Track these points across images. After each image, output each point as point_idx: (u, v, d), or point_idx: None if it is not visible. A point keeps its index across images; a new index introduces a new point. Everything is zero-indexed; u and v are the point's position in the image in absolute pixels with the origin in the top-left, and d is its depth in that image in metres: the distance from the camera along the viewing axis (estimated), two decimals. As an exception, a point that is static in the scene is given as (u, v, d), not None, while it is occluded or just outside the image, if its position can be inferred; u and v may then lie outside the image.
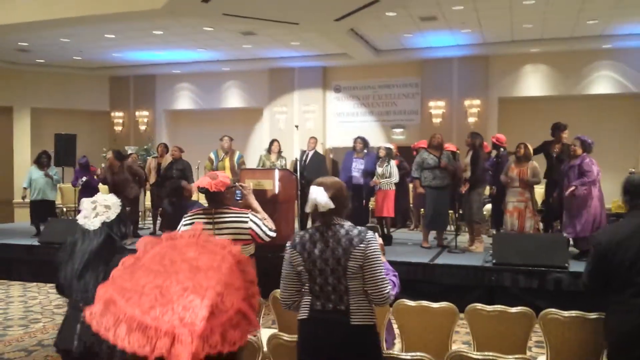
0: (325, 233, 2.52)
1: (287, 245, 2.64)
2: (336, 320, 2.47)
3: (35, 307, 6.94)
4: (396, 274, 2.84)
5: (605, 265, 2.94)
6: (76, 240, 2.53)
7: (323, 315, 2.50)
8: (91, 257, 2.45)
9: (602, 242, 2.98)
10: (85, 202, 2.58)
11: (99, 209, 2.54)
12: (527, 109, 12.15)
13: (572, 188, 6.64)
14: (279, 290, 4.10)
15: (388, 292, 2.49)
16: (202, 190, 3.53)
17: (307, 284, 2.56)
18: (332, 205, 2.50)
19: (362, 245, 2.46)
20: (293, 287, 2.61)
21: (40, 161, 9.51)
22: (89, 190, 9.18)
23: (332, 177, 2.75)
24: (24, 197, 9.79)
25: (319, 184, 2.58)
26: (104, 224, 2.52)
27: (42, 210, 9.37)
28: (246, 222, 3.48)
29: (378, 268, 2.47)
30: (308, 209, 2.57)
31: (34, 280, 8.21)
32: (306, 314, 2.56)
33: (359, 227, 2.55)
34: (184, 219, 3.58)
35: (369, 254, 2.46)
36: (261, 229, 3.51)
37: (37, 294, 7.64)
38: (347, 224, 2.55)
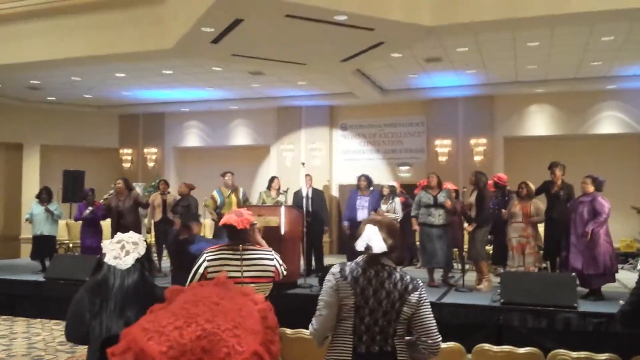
0: (380, 273, 2.49)
1: (334, 272, 2.53)
2: None
3: (39, 343, 6.88)
4: None
5: None
6: (107, 282, 2.51)
7: (369, 358, 2.44)
8: (130, 295, 2.45)
9: None
10: (110, 244, 2.59)
11: (128, 247, 2.55)
12: (532, 148, 12.20)
13: (588, 231, 6.61)
14: (284, 329, 4.09)
15: (439, 343, 2.51)
16: (228, 227, 3.51)
17: (347, 322, 2.47)
18: (385, 249, 2.48)
19: (416, 293, 2.48)
20: (334, 318, 2.49)
21: (41, 197, 9.61)
22: (93, 226, 9.22)
23: (387, 218, 2.71)
24: (27, 220, 9.81)
25: (374, 223, 2.55)
26: (137, 260, 2.53)
27: (42, 245, 9.42)
28: (272, 259, 3.51)
29: (431, 317, 2.51)
30: (360, 248, 2.51)
31: (38, 317, 8.16)
32: (349, 358, 2.45)
33: (409, 274, 2.56)
34: (206, 254, 3.51)
35: (422, 303, 2.49)
36: (281, 267, 3.56)
37: (40, 330, 7.59)
38: (400, 270, 2.56)
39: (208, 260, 3.45)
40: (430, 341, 2.48)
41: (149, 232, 9.78)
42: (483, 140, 12.20)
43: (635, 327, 3.06)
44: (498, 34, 8.19)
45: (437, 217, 7.67)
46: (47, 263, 9.14)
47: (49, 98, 13.36)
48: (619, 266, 9.90)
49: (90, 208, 9.17)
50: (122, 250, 2.53)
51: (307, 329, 3.05)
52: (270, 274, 3.48)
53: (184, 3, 7.49)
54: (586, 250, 6.69)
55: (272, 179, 9.23)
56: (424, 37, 7.67)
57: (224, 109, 13.91)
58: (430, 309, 2.53)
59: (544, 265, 8.09)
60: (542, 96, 11.88)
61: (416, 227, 8.05)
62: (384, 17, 6.83)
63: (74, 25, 8.67)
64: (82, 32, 8.64)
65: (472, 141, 12.27)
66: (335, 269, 2.56)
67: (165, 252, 9.72)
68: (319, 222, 8.91)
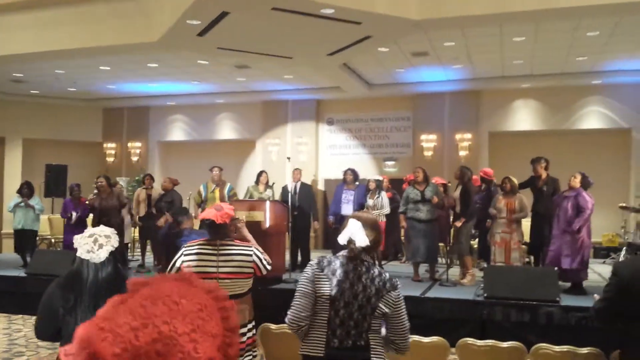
0: (359, 267, 2.50)
1: (312, 264, 2.57)
2: (356, 357, 2.44)
3: (20, 340, 6.80)
4: None
5: (625, 298, 2.90)
6: (81, 276, 2.47)
7: (342, 353, 2.44)
8: (103, 289, 2.42)
9: (625, 275, 2.95)
10: (82, 238, 2.55)
11: (101, 240, 2.52)
12: (517, 143, 12.26)
13: (575, 229, 6.68)
14: (268, 324, 4.07)
15: (408, 345, 2.56)
16: (207, 222, 3.49)
17: (322, 314, 2.47)
18: (367, 243, 2.52)
19: (394, 292, 2.50)
20: (309, 308, 2.49)
21: (22, 192, 9.46)
22: (79, 225, 9.10)
23: (369, 213, 2.75)
24: (10, 211, 9.66)
25: (358, 218, 2.58)
26: (110, 253, 2.50)
27: (23, 239, 9.30)
28: (250, 255, 3.47)
29: (406, 319, 2.54)
30: (342, 241, 2.54)
31: (20, 313, 8.06)
32: (321, 352, 2.45)
33: (387, 272, 2.58)
34: (184, 248, 3.52)
35: (398, 303, 2.51)
36: (262, 263, 3.51)
37: (22, 326, 7.50)
38: (377, 266, 2.59)
39: (185, 255, 3.46)
40: (402, 344, 2.53)
41: (134, 226, 9.68)
42: (468, 135, 12.24)
43: (610, 323, 3.07)
44: (485, 28, 8.20)
45: (425, 212, 7.68)
46: (29, 258, 9.02)
47: (32, 91, 13.18)
48: (601, 260, 10.04)
49: (74, 213, 9.03)
50: (94, 243, 2.50)
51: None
52: (248, 270, 3.44)
53: (169, -5, 7.41)
54: (569, 245, 6.76)
55: (260, 174, 9.17)
56: (411, 31, 7.67)
57: (209, 102, 13.81)
58: (406, 311, 2.55)
59: (527, 259, 8.16)
60: (527, 91, 11.94)
61: (404, 224, 8.00)
62: (371, 11, 6.81)
63: (58, 18, 8.55)
64: (66, 24, 8.52)
65: (458, 136, 12.31)
66: (313, 261, 2.59)
67: (149, 247, 9.65)
68: (306, 216, 8.88)
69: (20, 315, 8.00)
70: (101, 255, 2.48)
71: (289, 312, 2.54)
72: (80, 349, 0.86)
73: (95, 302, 2.37)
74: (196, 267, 3.36)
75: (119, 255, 2.56)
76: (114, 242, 2.55)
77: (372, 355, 2.44)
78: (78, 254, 2.53)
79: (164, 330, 0.86)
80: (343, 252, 2.56)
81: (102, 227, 2.62)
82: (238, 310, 3.20)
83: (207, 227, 3.55)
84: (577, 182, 6.93)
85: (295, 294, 2.55)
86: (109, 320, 0.88)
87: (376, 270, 2.53)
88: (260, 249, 3.64)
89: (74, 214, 8.97)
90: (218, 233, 3.47)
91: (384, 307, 2.46)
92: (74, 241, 2.58)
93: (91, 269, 2.46)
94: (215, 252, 3.42)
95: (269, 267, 3.57)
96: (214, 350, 0.89)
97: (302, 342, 2.53)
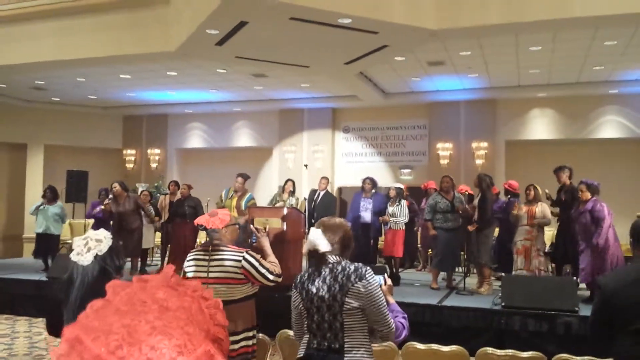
0: (322, 271, 2.55)
1: (292, 285, 2.70)
2: (330, 359, 2.47)
3: (40, 343, 6.91)
4: (405, 316, 2.78)
5: (610, 310, 2.92)
6: (72, 277, 2.53)
7: (319, 354, 2.50)
8: (87, 293, 2.45)
9: (608, 287, 2.96)
10: (77, 240, 2.61)
11: (90, 244, 2.55)
12: (534, 152, 12.21)
13: (596, 243, 6.55)
14: (286, 330, 4.11)
15: (393, 325, 2.52)
16: (200, 227, 3.59)
17: (306, 322, 2.59)
18: (328, 249, 2.55)
19: (361, 282, 2.44)
20: (302, 327, 2.64)
21: (46, 196, 9.64)
22: (102, 224, 9.24)
23: (334, 217, 2.77)
24: (32, 213, 9.81)
25: (319, 225, 2.66)
26: (96, 257, 2.52)
27: (45, 244, 9.44)
28: (239, 261, 3.41)
29: (382, 304, 2.47)
30: (305, 250, 2.61)
31: (40, 316, 8.18)
32: (302, 353, 2.57)
33: (356, 264, 2.54)
34: (189, 255, 3.62)
35: (369, 292, 2.44)
36: (257, 271, 3.42)
37: (42, 329, 7.61)
38: (344, 261, 2.57)
39: (187, 261, 3.56)
40: (385, 330, 2.50)
41: (157, 230, 9.81)
42: (484, 144, 12.22)
43: (599, 336, 3.06)
44: (501, 38, 8.21)
45: (453, 221, 7.69)
46: (50, 262, 9.17)
47: (53, 98, 13.41)
48: (620, 270, 9.91)
49: (100, 207, 9.23)
50: (85, 246, 2.54)
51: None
52: (238, 276, 3.40)
53: (189, 5, 7.53)
54: (596, 258, 6.63)
55: (286, 182, 9.34)
56: (428, 40, 7.70)
57: (227, 110, 13.94)
58: (380, 297, 2.48)
59: (549, 266, 8.07)
60: (544, 100, 11.90)
61: (433, 232, 7.90)
62: (388, 21, 6.86)
63: (79, 27, 8.72)
64: (87, 33, 8.68)
65: (474, 144, 12.29)
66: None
67: (168, 253, 9.76)
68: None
69: (41, 319, 8.11)
70: (88, 258, 2.51)
71: (293, 334, 2.77)
72: (70, 350, 0.88)
73: (80, 305, 2.41)
74: (192, 272, 3.47)
75: (109, 258, 2.57)
76: (104, 246, 2.56)
77: (345, 358, 2.43)
78: (70, 255, 2.59)
79: (157, 325, 0.88)
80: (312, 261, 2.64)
81: (101, 230, 2.66)
82: (228, 318, 3.19)
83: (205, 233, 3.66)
84: (586, 193, 6.83)
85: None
86: (97, 320, 0.90)
87: (340, 267, 2.52)
88: (272, 259, 3.62)
89: (99, 207, 9.16)
90: (211, 238, 3.54)
91: (352, 301, 2.44)
92: (72, 243, 2.65)
93: (79, 271, 2.51)
94: (207, 257, 3.48)
95: (271, 277, 3.47)
96: (209, 343, 0.91)
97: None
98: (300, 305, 2.58)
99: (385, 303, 2.51)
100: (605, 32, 7.91)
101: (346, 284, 2.45)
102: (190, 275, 3.51)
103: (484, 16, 6.94)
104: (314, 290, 2.52)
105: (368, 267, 2.53)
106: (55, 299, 2.57)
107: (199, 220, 3.58)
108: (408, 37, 7.54)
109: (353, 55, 8.55)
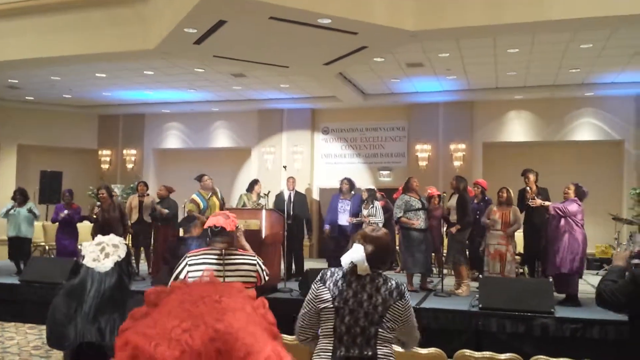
0: (362, 278, 2.51)
1: (317, 279, 2.61)
2: None
3: (13, 347, 6.74)
4: None
5: (635, 291, 2.95)
6: (85, 285, 2.43)
7: None
8: (105, 300, 2.36)
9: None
10: (90, 245, 2.50)
11: (108, 249, 2.46)
12: (511, 154, 12.33)
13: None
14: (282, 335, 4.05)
15: (419, 337, 2.67)
16: (216, 229, 3.43)
17: (328, 324, 2.49)
18: (368, 272, 2.50)
19: (402, 301, 2.52)
20: (313, 324, 2.57)
21: (15, 198, 9.40)
22: (69, 227, 9.07)
23: (379, 231, 2.68)
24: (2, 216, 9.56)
25: (364, 241, 2.54)
26: (116, 263, 2.45)
27: (17, 247, 9.24)
28: (254, 264, 3.45)
29: (413, 320, 2.60)
30: (344, 264, 2.53)
31: (12, 320, 8.00)
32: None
33: (396, 280, 2.59)
34: (188, 258, 3.44)
35: (407, 311, 2.54)
36: (264, 272, 3.51)
37: (14, 334, 7.44)
38: (385, 274, 2.59)
39: (190, 265, 3.39)
40: (411, 342, 2.65)
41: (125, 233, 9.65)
42: (462, 146, 12.31)
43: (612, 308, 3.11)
44: (479, 40, 8.27)
45: (423, 221, 7.70)
46: (22, 265, 8.97)
47: (27, 97, 13.15)
48: (595, 272, 10.07)
49: (66, 211, 9.04)
50: (101, 252, 2.45)
51: (288, 334, 3.03)
52: (253, 279, 3.42)
53: (167, 3, 7.44)
54: (556, 245, 6.83)
55: (254, 182, 9.12)
56: (407, 41, 7.72)
57: (205, 110, 13.82)
58: (412, 315, 2.60)
59: (521, 270, 8.18)
60: (520, 102, 12.03)
61: (400, 224, 7.94)
62: (368, 21, 6.86)
63: (55, 24, 8.55)
64: (63, 31, 8.52)
65: (452, 146, 12.37)
66: (318, 276, 2.62)
67: (142, 255, 9.62)
68: (300, 225, 8.88)
69: (13, 323, 7.93)
70: (107, 264, 2.42)
71: (296, 329, 2.64)
72: (131, 358, 0.84)
73: (95, 313, 2.33)
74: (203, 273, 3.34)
75: (125, 265, 2.50)
76: (122, 252, 2.48)
77: None
78: (84, 261, 2.48)
79: (219, 328, 0.84)
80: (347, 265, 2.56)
81: (111, 235, 2.57)
82: None
83: (211, 235, 3.48)
84: (571, 193, 6.98)
85: (301, 311, 2.62)
86: (153, 327, 0.85)
87: (381, 280, 2.53)
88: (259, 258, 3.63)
89: (65, 212, 8.96)
90: (225, 241, 3.42)
91: (391, 317, 2.49)
92: (80, 248, 2.55)
93: (95, 278, 2.41)
94: (221, 261, 3.38)
95: (267, 277, 3.57)
96: (272, 340, 0.87)
97: (313, 354, 2.56)
98: (328, 304, 2.50)
99: (415, 320, 2.63)
100: (581, 35, 8.01)
101: (388, 299, 2.48)
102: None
103: (463, 18, 6.98)
104: (351, 292, 2.48)
105: (405, 285, 2.63)
106: (57, 305, 2.46)
107: (217, 223, 3.42)
108: (387, 38, 7.55)
109: (332, 56, 8.54)
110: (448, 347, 3.80)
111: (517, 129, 12.20)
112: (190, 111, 13.94)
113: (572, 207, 6.87)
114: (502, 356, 3.47)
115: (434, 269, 9.05)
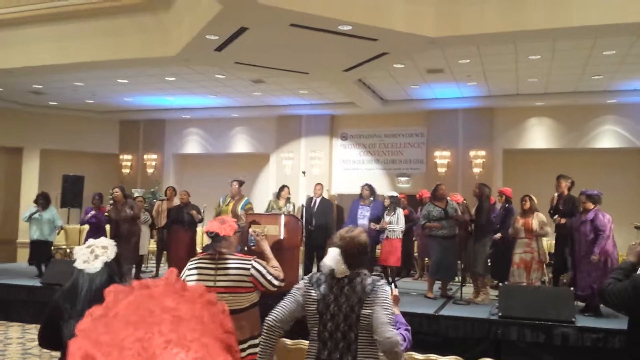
0: (340, 280, 2.55)
1: (305, 278, 2.66)
2: None
3: (34, 349, 6.84)
4: (408, 328, 2.74)
5: (632, 298, 2.86)
6: (77, 286, 2.49)
7: None
8: (96, 299, 2.40)
9: (639, 280, 2.89)
10: (81, 249, 2.58)
11: (97, 251, 2.53)
12: (531, 161, 12.22)
13: (596, 255, 6.56)
14: (283, 339, 4.06)
15: (391, 337, 2.41)
16: (211, 234, 3.48)
17: (314, 329, 2.55)
18: (347, 273, 2.54)
19: (372, 294, 2.49)
20: (290, 313, 2.60)
21: (38, 202, 9.52)
22: (97, 230, 9.19)
23: (352, 231, 2.70)
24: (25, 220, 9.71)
25: (339, 242, 2.61)
26: (105, 264, 2.50)
27: (39, 250, 9.37)
28: (248, 269, 3.36)
29: (384, 313, 2.45)
30: (324, 270, 2.59)
31: (34, 322, 8.11)
32: None
33: (373, 277, 2.58)
34: (189, 263, 3.51)
35: (377, 302, 2.47)
36: (265, 278, 3.38)
37: (35, 336, 7.53)
38: (363, 272, 2.58)
39: (188, 269, 3.44)
40: (380, 339, 2.42)
41: (152, 237, 9.76)
42: (482, 152, 12.22)
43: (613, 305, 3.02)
44: (500, 46, 8.22)
45: (448, 228, 7.65)
46: (44, 268, 9.10)
47: (50, 103, 13.37)
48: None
49: (93, 211, 9.17)
50: (91, 254, 2.52)
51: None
52: (247, 284, 3.34)
53: (189, 10, 7.52)
54: (595, 270, 6.60)
55: (282, 188, 9.19)
56: (427, 48, 7.71)
57: (224, 116, 13.93)
58: (387, 307, 2.47)
59: (545, 277, 8.05)
60: (541, 109, 11.92)
61: (427, 230, 7.88)
62: (388, 28, 6.86)
63: (79, 31, 8.70)
64: (86, 37, 8.67)
65: (472, 153, 12.29)
66: (306, 276, 2.68)
67: (164, 259, 9.70)
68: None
69: (35, 325, 8.05)
70: (96, 265, 2.49)
71: (270, 312, 2.64)
72: None
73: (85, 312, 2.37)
74: (196, 281, 3.33)
75: (115, 265, 2.56)
76: (110, 253, 2.55)
77: None
78: (75, 264, 2.56)
79: (172, 338, 0.82)
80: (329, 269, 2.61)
81: (102, 239, 2.65)
82: (236, 326, 3.15)
83: (211, 240, 3.52)
84: (588, 204, 6.83)
85: (284, 298, 2.66)
86: (106, 333, 0.83)
87: (359, 278, 2.54)
88: (274, 264, 3.56)
89: (93, 212, 9.08)
90: (221, 247, 3.43)
91: (366, 312, 2.47)
92: (73, 252, 2.62)
93: (86, 279, 2.48)
94: (214, 265, 3.38)
95: (276, 283, 3.42)
96: (224, 352, 0.85)
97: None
98: (313, 306, 2.54)
99: (388, 316, 2.47)
100: (604, 42, 7.93)
101: (362, 295, 2.48)
102: (192, 284, 3.41)
103: (483, 24, 6.95)
104: (332, 297, 2.51)
105: (383, 280, 2.58)
106: (53, 307, 2.53)
107: (211, 228, 3.46)
108: (407, 44, 7.54)
109: (352, 62, 8.55)
110: (466, 355, 3.77)
111: (538, 136, 12.08)
112: (210, 117, 14.06)
113: (606, 229, 6.61)
114: (523, 365, 3.43)
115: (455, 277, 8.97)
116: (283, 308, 2.60)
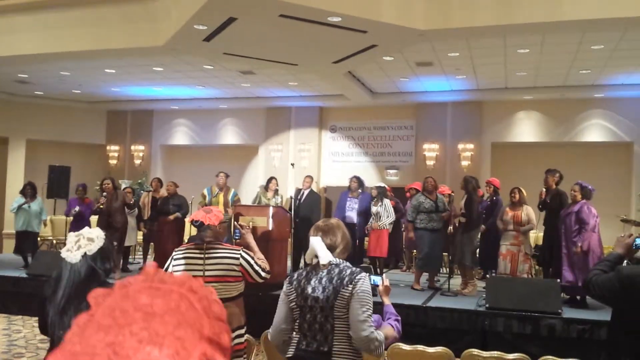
0: (320, 271, 2.54)
1: (287, 279, 2.67)
2: None
3: (19, 341, 6.79)
4: (398, 318, 2.74)
5: (617, 290, 2.84)
6: (61, 274, 2.46)
7: (306, 355, 2.50)
8: (73, 292, 2.36)
9: (624, 272, 2.87)
10: (71, 236, 2.54)
11: (82, 242, 2.48)
12: (519, 155, 12.29)
13: (578, 247, 6.61)
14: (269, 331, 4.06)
15: (367, 336, 2.39)
16: (196, 223, 3.48)
17: (297, 321, 2.57)
18: (329, 260, 2.53)
19: (350, 286, 2.45)
20: (285, 323, 2.61)
21: (25, 192, 9.44)
22: (81, 222, 9.10)
23: (329, 219, 2.75)
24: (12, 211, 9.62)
25: (317, 231, 2.62)
26: (85, 256, 2.45)
27: (25, 241, 9.28)
28: (237, 258, 3.38)
29: (360, 309, 2.42)
30: (308, 260, 2.60)
31: (20, 313, 8.05)
32: (292, 353, 2.56)
33: (353, 268, 2.54)
34: (174, 252, 3.49)
35: (354, 295, 2.43)
36: (253, 268, 3.40)
37: (21, 327, 7.49)
38: (343, 264, 2.56)
39: (174, 259, 3.43)
40: (354, 336, 2.41)
41: (140, 229, 9.69)
42: (470, 146, 12.27)
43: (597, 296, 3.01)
44: (489, 40, 8.24)
45: (437, 221, 7.67)
46: (30, 259, 9.03)
47: (36, 92, 13.21)
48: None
49: (77, 208, 9.07)
50: (75, 244, 2.47)
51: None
52: (236, 273, 3.37)
53: (177, 0, 7.45)
54: (579, 262, 6.67)
55: (270, 180, 9.15)
56: (417, 40, 7.70)
57: (213, 107, 13.85)
58: (365, 302, 2.44)
59: (532, 270, 8.11)
60: (530, 103, 11.98)
61: (412, 234, 7.89)
62: (378, 20, 6.85)
63: (66, 20, 8.58)
64: (73, 26, 8.55)
65: (460, 146, 12.34)
66: (288, 277, 2.68)
67: (151, 250, 9.65)
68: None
69: (20, 316, 7.99)
70: (76, 256, 2.44)
71: (270, 331, 2.69)
72: None
73: (64, 305, 2.34)
74: (184, 271, 3.31)
75: (99, 259, 2.49)
76: (95, 246, 2.47)
77: None
78: (61, 251, 2.52)
79: (144, 337, 0.79)
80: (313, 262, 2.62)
81: (93, 229, 2.60)
82: (227, 313, 3.13)
83: (197, 230, 3.52)
84: (578, 195, 6.88)
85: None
86: (79, 343, 0.80)
87: (337, 269, 2.51)
88: (260, 256, 3.57)
89: (77, 208, 9.01)
90: (206, 235, 3.43)
91: (340, 304, 2.45)
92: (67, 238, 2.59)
93: (67, 268, 2.43)
94: (202, 255, 3.38)
95: (263, 274, 3.45)
96: (204, 343, 0.82)
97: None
98: (293, 303, 2.56)
99: (366, 312, 2.44)
100: (592, 36, 7.97)
101: (338, 286, 2.46)
102: (179, 274, 3.39)
103: (473, 18, 6.96)
104: (310, 289, 2.51)
105: (364, 273, 2.52)
106: (42, 296, 2.51)
107: (195, 217, 3.48)
108: (397, 37, 7.53)
109: (342, 54, 8.53)
110: (453, 347, 3.80)
111: (526, 129, 12.15)
112: (199, 108, 13.97)
113: (589, 220, 6.65)
114: (510, 356, 3.46)
115: (443, 268, 9.03)
116: (277, 317, 2.64)
